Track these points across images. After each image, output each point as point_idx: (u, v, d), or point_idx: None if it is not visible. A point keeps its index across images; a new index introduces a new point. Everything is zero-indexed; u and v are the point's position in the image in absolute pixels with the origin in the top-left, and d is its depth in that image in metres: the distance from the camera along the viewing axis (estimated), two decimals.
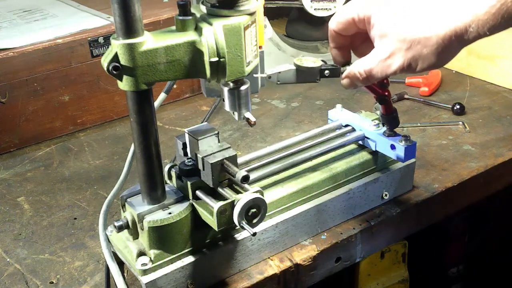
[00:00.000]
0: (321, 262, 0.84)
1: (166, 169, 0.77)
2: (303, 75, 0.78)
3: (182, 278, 0.74)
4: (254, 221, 0.72)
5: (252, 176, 0.79)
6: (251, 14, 0.67)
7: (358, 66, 0.72)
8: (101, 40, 1.18)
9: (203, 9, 0.67)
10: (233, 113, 0.74)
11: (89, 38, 1.17)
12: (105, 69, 0.63)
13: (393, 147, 0.85)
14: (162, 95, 0.87)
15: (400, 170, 0.91)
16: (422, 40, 0.65)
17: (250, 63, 0.70)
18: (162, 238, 0.72)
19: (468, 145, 1.08)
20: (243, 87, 0.72)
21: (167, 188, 0.75)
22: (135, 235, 0.74)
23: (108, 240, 0.78)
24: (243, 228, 0.71)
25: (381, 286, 1.13)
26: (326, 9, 1.39)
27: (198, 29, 0.66)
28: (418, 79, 1.32)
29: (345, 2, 1.38)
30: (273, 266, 0.81)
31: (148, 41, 0.64)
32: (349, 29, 0.74)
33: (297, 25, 1.53)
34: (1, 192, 1.02)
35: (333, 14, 1.38)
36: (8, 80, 1.10)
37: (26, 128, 1.16)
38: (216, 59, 0.66)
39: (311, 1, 1.37)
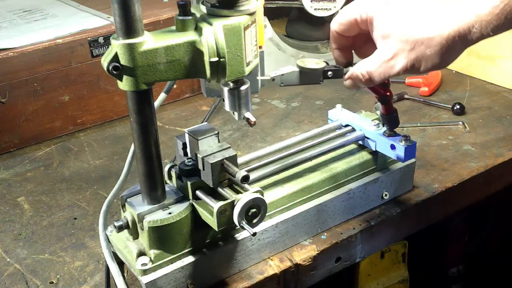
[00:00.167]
0: (321, 262, 0.84)
1: (166, 169, 0.77)
2: (307, 76, 0.78)
3: (182, 278, 0.74)
4: (254, 221, 0.72)
5: (252, 176, 0.79)
6: (251, 14, 0.67)
7: (361, 68, 0.72)
8: (101, 40, 1.19)
9: (203, 9, 0.67)
10: (233, 113, 0.74)
11: (89, 38, 1.17)
12: (105, 69, 0.63)
13: (393, 147, 0.85)
14: (162, 95, 0.87)
15: (400, 170, 0.91)
16: (425, 41, 0.65)
17: (250, 63, 0.70)
18: (162, 238, 0.72)
19: (468, 145, 1.08)
20: (243, 87, 0.72)
21: (167, 188, 0.75)
22: (135, 235, 0.74)
23: (108, 240, 0.78)
24: (243, 228, 0.71)
25: (381, 286, 1.13)
26: (326, 9, 1.39)
27: (198, 29, 0.66)
28: (418, 79, 1.32)
29: (345, 2, 1.38)
30: (273, 266, 0.81)
31: (148, 41, 0.64)
32: (351, 30, 0.73)
33: (297, 25, 1.53)
34: (1, 192, 1.02)
35: (333, 14, 1.39)
36: (8, 80, 1.10)
37: (26, 128, 1.16)
38: (216, 59, 0.66)
39: (311, 1, 1.37)
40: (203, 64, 0.66)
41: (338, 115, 0.94)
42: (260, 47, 0.86)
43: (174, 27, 0.66)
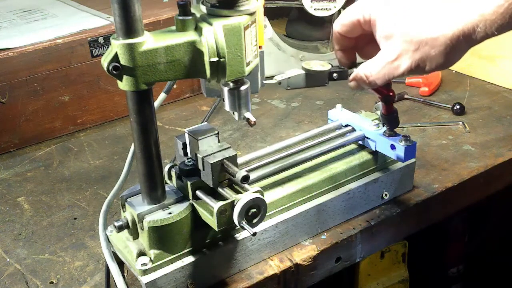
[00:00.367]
0: (321, 262, 0.84)
1: (166, 169, 0.77)
2: (312, 79, 0.78)
3: (182, 278, 0.74)
4: (254, 221, 0.72)
5: (252, 176, 0.79)
6: (251, 14, 0.67)
7: (365, 69, 0.72)
8: (101, 40, 1.19)
9: (203, 9, 0.67)
10: (233, 113, 0.74)
11: (89, 38, 1.17)
12: (105, 69, 0.63)
13: (393, 147, 0.85)
14: (162, 95, 0.87)
15: (400, 170, 0.91)
16: (430, 41, 0.65)
17: (250, 63, 0.70)
18: (162, 238, 0.72)
19: (468, 145, 1.08)
20: (243, 87, 0.72)
21: (167, 188, 0.75)
22: (135, 235, 0.74)
23: (108, 240, 0.78)
24: (243, 228, 0.71)
25: (381, 286, 1.13)
26: (326, 9, 1.39)
27: (198, 29, 0.66)
28: (418, 79, 1.32)
29: (345, 2, 1.38)
30: (273, 266, 0.81)
31: (148, 41, 0.64)
32: (354, 31, 0.73)
33: (297, 25, 1.53)
34: (1, 192, 1.02)
35: (333, 14, 1.39)
36: (8, 80, 1.10)
37: (26, 128, 1.16)
38: (216, 59, 0.66)
39: (311, 1, 1.37)
40: (203, 64, 0.66)
41: (338, 115, 0.94)
42: (260, 47, 0.86)
43: (174, 27, 0.66)
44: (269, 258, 0.82)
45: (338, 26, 0.74)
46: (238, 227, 0.71)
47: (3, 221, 0.94)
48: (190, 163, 0.74)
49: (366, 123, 0.90)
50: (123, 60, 0.63)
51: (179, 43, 0.65)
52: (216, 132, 0.75)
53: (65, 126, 1.21)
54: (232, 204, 0.70)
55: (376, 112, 0.91)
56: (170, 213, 0.72)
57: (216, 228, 0.70)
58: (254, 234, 0.70)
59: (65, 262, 0.84)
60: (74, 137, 1.20)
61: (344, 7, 1.39)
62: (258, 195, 0.71)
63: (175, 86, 1.28)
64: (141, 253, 0.73)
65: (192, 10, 0.66)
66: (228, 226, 0.71)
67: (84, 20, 1.25)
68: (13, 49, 1.11)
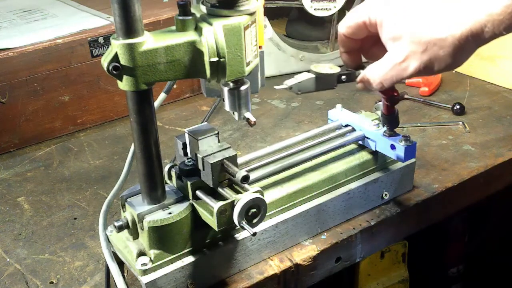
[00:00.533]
0: (321, 262, 0.84)
1: (166, 169, 0.77)
2: (322, 82, 0.78)
3: (182, 278, 0.74)
4: (254, 221, 0.72)
5: (252, 176, 0.79)
6: (251, 14, 0.67)
7: (372, 71, 0.71)
8: (101, 40, 1.19)
9: (203, 9, 0.67)
10: (233, 113, 0.74)
11: (89, 38, 1.17)
12: (105, 69, 0.63)
13: (393, 147, 0.85)
14: (162, 95, 0.87)
15: (400, 170, 0.91)
16: (438, 42, 0.64)
17: (250, 63, 0.70)
18: (162, 238, 0.72)
19: (468, 145, 1.08)
20: (243, 87, 0.72)
21: (167, 188, 0.75)
22: (135, 235, 0.74)
23: (108, 240, 0.78)
24: (243, 228, 0.71)
25: (381, 286, 1.13)
26: (326, 9, 1.39)
27: (198, 29, 0.66)
28: (418, 79, 1.32)
29: (345, 2, 1.38)
30: (273, 266, 0.81)
31: (148, 41, 0.64)
32: (359, 33, 0.73)
33: (297, 25, 1.53)
34: (1, 192, 1.02)
35: (333, 14, 1.39)
36: (8, 80, 1.10)
37: (26, 128, 1.16)
38: (216, 59, 0.66)
39: (311, 1, 1.37)
40: (203, 64, 0.66)
41: (338, 115, 0.94)
42: (260, 47, 0.87)
43: (174, 27, 0.66)
44: (269, 258, 0.82)
45: (343, 28, 0.74)
46: (238, 227, 0.71)
47: (3, 221, 0.94)
48: (190, 163, 0.74)
49: (366, 123, 0.90)
50: (123, 60, 0.63)
51: (179, 43, 0.65)
52: (216, 132, 0.75)
53: (65, 126, 1.21)
54: (232, 204, 0.70)
55: (376, 112, 0.91)
56: (170, 213, 0.72)
57: (216, 228, 0.70)
58: (254, 234, 0.70)
59: (65, 262, 0.84)
60: (74, 137, 1.20)
61: (344, 7, 1.39)
62: (258, 195, 0.71)
63: (175, 86, 1.28)
64: (141, 253, 0.73)
65: (192, 10, 0.66)
66: (228, 226, 0.71)
67: (84, 20, 1.25)
68: (13, 49, 1.11)
